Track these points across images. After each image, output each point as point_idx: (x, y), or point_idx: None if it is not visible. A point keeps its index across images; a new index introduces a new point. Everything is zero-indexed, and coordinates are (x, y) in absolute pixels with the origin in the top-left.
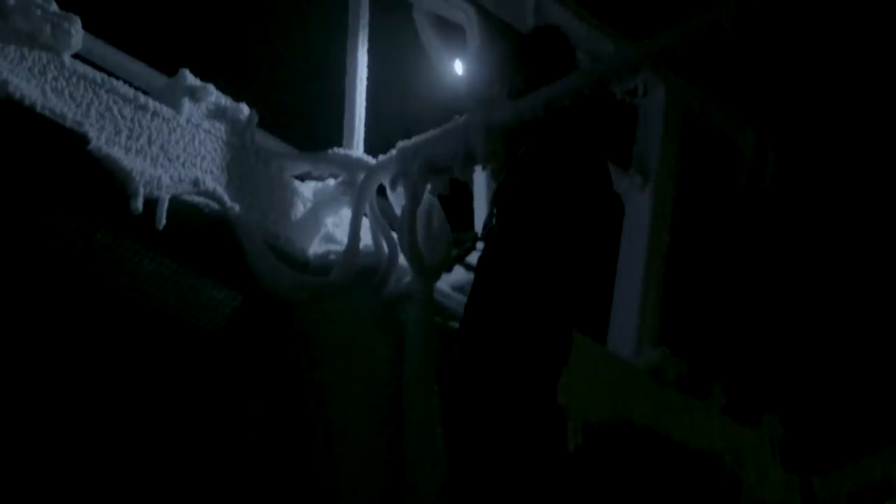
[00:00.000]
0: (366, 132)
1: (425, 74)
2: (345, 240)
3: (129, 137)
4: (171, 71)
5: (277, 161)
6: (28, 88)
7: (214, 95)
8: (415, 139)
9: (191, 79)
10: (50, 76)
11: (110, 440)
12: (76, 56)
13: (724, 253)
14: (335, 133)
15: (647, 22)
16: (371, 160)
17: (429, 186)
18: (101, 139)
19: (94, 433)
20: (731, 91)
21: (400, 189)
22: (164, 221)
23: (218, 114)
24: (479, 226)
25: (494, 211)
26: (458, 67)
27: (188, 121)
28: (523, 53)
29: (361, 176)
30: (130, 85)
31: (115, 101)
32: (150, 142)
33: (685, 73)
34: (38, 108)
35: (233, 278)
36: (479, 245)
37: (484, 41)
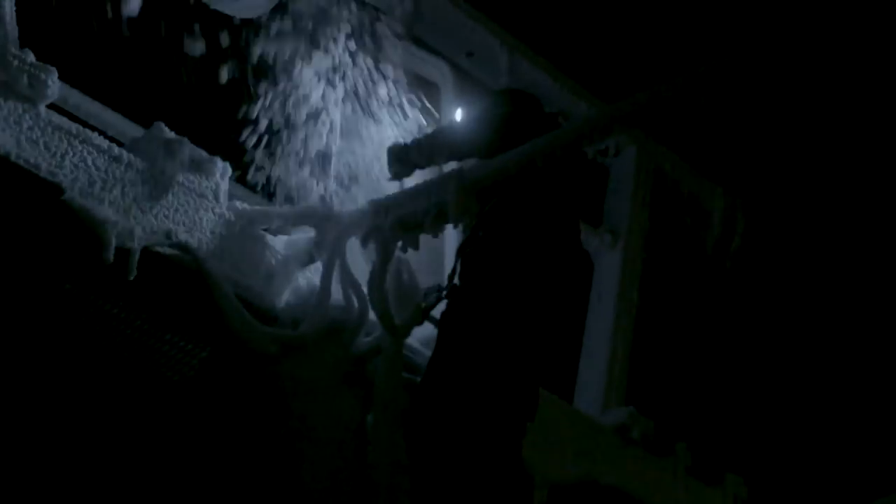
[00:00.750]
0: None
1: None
2: (315, 294)
3: (102, 189)
4: (146, 123)
5: (250, 214)
6: (3, 138)
7: (189, 148)
8: (387, 196)
9: (165, 131)
10: (25, 126)
11: (73, 492)
12: (51, 105)
13: (692, 313)
14: (308, 187)
15: (621, 83)
16: (343, 215)
17: (400, 243)
18: (74, 190)
19: (56, 486)
20: (702, 153)
21: (371, 245)
22: (135, 273)
23: (192, 167)
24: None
25: (458, 265)
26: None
27: (162, 173)
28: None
29: (333, 231)
30: (105, 136)
31: (89, 152)
32: (123, 193)
33: (656, 134)
34: (13, 158)
35: (202, 330)
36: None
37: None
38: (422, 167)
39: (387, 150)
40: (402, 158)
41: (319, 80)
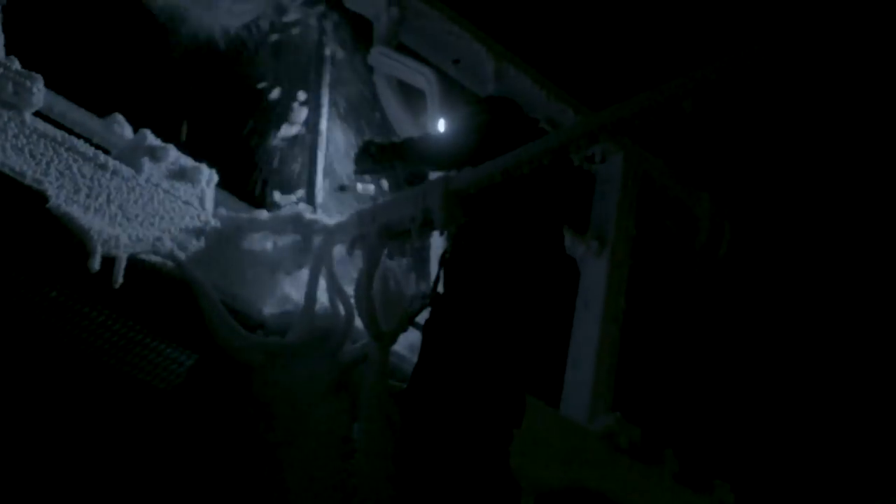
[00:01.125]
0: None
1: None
2: (301, 301)
3: (88, 196)
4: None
5: (236, 221)
6: None
7: (174, 156)
8: (373, 203)
9: (151, 139)
10: (10, 133)
11: (58, 500)
12: (37, 113)
13: (680, 320)
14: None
15: (607, 90)
16: (329, 222)
17: (386, 250)
18: (60, 197)
19: (41, 494)
20: (689, 159)
21: (357, 252)
22: (120, 280)
23: (177, 174)
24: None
25: (441, 273)
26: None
27: (147, 180)
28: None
29: (319, 238)
30: (90, 143)
31: (74, 160)
32: (108, 201)
33: (643, 141)
34: None
35: (188, 338)
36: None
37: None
38: (391, 168)
39: (361, 145)
40: (375, 155)
41: (306, 85)
